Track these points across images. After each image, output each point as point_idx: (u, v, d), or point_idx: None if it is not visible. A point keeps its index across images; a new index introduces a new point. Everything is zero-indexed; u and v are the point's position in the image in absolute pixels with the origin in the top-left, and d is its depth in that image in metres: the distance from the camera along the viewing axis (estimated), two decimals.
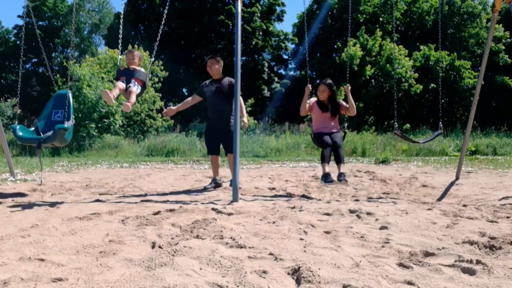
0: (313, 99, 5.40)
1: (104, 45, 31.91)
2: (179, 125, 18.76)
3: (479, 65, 24.58)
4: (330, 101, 5.23)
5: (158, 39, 4.79)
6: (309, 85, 5.20)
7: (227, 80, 5.51)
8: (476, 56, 28.10)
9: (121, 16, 5.17)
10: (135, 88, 4.44)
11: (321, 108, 5.23)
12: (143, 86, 4.60)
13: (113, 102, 4.20)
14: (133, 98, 4.39)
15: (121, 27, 4.73)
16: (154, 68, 18.17)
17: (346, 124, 5.73)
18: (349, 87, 5.23)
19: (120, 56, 4.80)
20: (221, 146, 5.63)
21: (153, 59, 5.01)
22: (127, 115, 15.88)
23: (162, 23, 5.11)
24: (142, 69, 4.62)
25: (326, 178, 4.78)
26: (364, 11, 28.27)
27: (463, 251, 2.37)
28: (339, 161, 4.97)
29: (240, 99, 5.45)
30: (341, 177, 4.79)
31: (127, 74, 4.48)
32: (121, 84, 4.41)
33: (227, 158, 5.59)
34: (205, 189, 5.37)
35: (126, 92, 4.45)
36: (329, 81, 5.25)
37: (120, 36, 4.60)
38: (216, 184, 5.53)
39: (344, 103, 5.32)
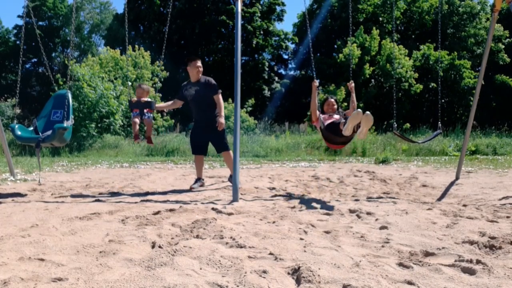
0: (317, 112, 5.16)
1: (104, 45, 31.90)
2: (179, 125, 18.75)
3: (479, 64, 24.62)
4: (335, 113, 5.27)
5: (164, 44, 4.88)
6: (316, 81, 5.17)
7: (203, 79, 5.45)
8: (475, 56, 28.10)
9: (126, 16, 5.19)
10: (150, 119, 5.43)
11: (333, 132, 4.79)
12: (152, 110, 5.53)
13: (139, 140, 5.46)
14: (150, 130, 5.49)
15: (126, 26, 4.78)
16: (155, 68, 18.18)
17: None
18: (353, 84, 5.26)
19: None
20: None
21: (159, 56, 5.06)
22: (127, 115, 15.89)
23: (167, 26, 5.17)
24: (150, 99, 5.50)
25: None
26: (363, 10, 28.26)
27: (463, 251, 2.37)
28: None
29: (220, 98, 5.45)
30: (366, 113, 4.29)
31: (139, 107, 5.39)
32: (137, 120, 5.42)
33: (223, 156, 5.61)
34: (191, 189, 5.35)
35: (143, 121, 5.47)
36: (335, 97, 5.34)
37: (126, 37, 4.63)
38: (201, 184, 5.56)
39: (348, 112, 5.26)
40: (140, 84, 5.58)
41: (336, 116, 5.04)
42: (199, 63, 5.42)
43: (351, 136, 4.73)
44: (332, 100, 5.26)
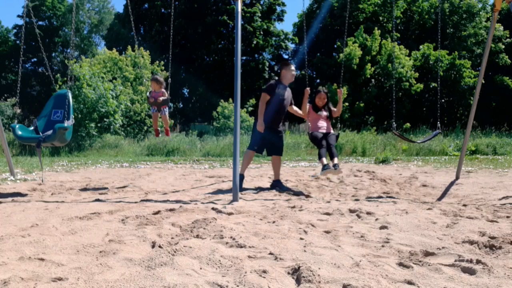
0: (308, 104, 5.79)
1: (104, 45, 31.89)
2: (179, 124, 18.74)
3: (479, 64, 24.62)
4: (324, 106, 5.72)
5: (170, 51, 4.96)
6: (308, 88, 5.55)
7: (288, 88, 5.64)
8: (475, 56, 28.10)
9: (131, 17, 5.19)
10: (166, 114, 5.88)
11: (315, 109, 5.66)
12: (168, 104, 5.90)
13: (159, 134, 6.27)
14: (167, 123, 6.06)
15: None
16: (154, 68, 18.18)
17: (339, 126, 6.24)
18: (342, 91, 5.69)
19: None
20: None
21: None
22: (127, 115, 15.88)
23: (171, 30, 5.16)
24: (165, 94, 5.80)
25: (324, 167, 5.21)
26: (364, 9, 28.26)
27: (463, 251, 2.37)
28: (332, 156, 5.42)
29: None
30: (335, 166, 5.22)
31: (156, 104, 5.80)
32: (155, 115, 5.97)
33: (276, 159, 5.68)
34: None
35: (160, 117, 5.98)
36: (326, 90, 5.86)
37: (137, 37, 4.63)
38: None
39: (333, 109, 5.82)
40: (154, 77, 5.84)
41: (323, 124, 5.58)
42: (293, 68, 5.64)
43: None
44: (324, 94, 5.66)
